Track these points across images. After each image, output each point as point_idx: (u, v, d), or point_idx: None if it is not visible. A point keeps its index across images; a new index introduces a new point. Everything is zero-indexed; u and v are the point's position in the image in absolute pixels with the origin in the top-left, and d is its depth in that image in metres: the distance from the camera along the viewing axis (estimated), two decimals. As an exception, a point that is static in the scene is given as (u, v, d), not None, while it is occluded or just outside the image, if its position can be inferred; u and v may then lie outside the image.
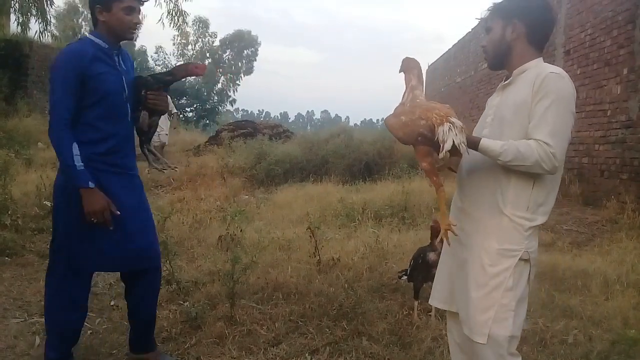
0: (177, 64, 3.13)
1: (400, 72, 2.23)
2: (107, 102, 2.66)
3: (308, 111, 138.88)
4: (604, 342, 3.15)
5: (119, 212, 2.64)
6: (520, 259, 2.01)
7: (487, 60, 2.28)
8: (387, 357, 3.07)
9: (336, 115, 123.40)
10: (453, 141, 1.88)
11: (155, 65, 35.65)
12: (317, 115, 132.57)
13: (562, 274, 4.23)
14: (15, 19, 11.81)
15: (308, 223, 4.56)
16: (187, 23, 13.32)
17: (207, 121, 31.26)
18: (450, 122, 1.93)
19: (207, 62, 36.80)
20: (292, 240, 5.07)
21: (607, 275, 4.17)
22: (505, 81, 2.18)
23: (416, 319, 3.50)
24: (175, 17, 12.38)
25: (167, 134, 11.28)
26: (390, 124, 2.10)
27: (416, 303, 3.60)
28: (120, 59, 2.78)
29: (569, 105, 1.99)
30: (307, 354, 3.10)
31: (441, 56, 19.12)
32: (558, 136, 1.93)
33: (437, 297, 2.32)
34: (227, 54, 37.96)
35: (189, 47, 37.26)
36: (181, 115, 29.18)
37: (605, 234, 5.82)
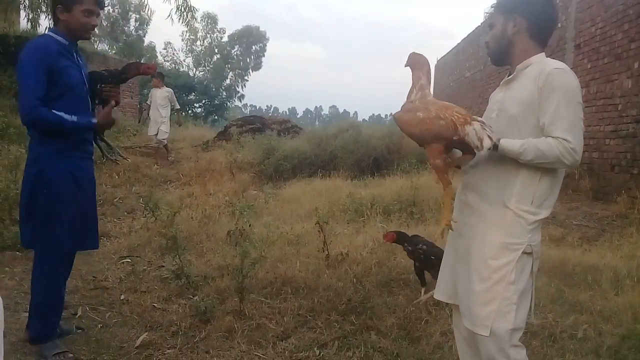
0: (129, 62, 3.44)
1: (406, 66, 2.21)
2: (72, 95, 2.86)
3: (316, 106, 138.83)
4: (614, 337, 3.14)
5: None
6: (523, 253, 2.02)
7: (489, 56, 2.30)
8: (395, 351, 3.08)
9: (344, 110, 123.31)
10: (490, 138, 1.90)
11: (165, 61, 35.75)
12: (325, 111, 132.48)
13: (572, 269, 4.21)
14: (25, 16, 11.85)
15: (316, 218, 4.56)
16: (196, 19, 13.31)
17: (216, 117, 31.33)
18: (479, 122, 1.95)
19: (215, 57, 36.84)
20: (300, 235, 5.07)
21: (617, 270, 4.14)
22: (508, 76, 2.19)
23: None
24: (184, 13, 12.36)
25: (167, 132, 10.92)
26: (405, 120, 2.09)
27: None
28: (77, 55, 2.99)
29: (577, 97, 2.00)
30: (315, 348, 3.12)
31: (450, 51, 19.03)
32: (574, 130, 1.95)
33: (442, 291, 2.32)
34: (236, 49, 37.93)
35: (198, 43, 37.29)
36: (189, 111, 29.26)
37: (615, 229, 5.78)
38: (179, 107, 11.65)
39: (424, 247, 3.66)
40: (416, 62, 2.19)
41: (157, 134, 10.75)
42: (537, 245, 2.07)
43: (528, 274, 2.05)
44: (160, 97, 10.77)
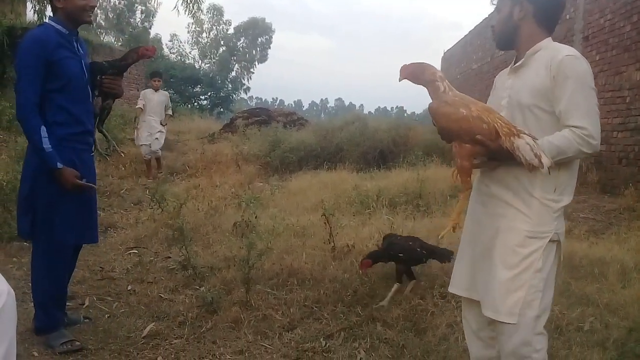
0: (129, 49, 3.38)
1: (403, 78, 2.12)
2: (71, 86, 2.85)
3: (322, 99, 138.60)
4: (621, 330, 3.13)
5: (92, 185, 2.97)
6: (550, 240, 2.01)
7: (495, 40, 2.29)
8: (401, 342, 3.08)
9: (350, 103, 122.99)
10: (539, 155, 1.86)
11: (170, 53, 35.72)
12: (331, 103, 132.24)
13: (579, 262, 4.20)
14: (32, 7, 11.87)
15: (322, 210, 4.57)
16: (201, 11, 13.27)
17: (222, 109, 31.28)
18: (528, 135, 1.91)
19: (221, 49, 36.78)
20: (306, 227, 5.08)
21: (624, 263, 4.13)
22: (516, 63, 2.17)
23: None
24: (190, 5, 12.33)
25: (162, 142, 9.17)
26: (444, 113, 2.02)
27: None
28: (78, 44, 2.96)
29: (590, 83, 2.00)
30: (321, 339, 3.13)
31: (457, 42, 18.92)
32: (590, 117, 1.96)
33: (457, 285, 2.30)
34: (242, 41, 37.81)
35: (204, 35, 37.21)
36: (195, 103, 29.24)
37: (622, 221, 5.76)
38: (172, 114, 9.96)
39: (400, 249, 3.68)
40: (421, 67, 2.11)
41: (149, 144, 8.83)
42: (562, 233, 2.07)
43: (552, 261, 2.05)
44: (157, 101, 8.94)
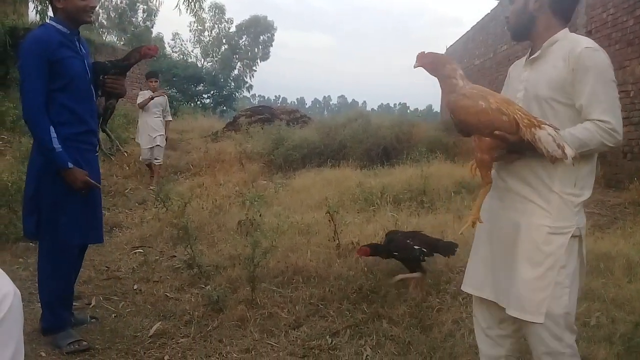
0: (132, 49, 3.36)
1: (418, 66, 2.10)
2: (74, 85, 2.85)
3: (325, 96, 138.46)
4: (627, 324, 3.12)
5: (98, 185, 2.97)
6: (572, 236, 1.98)
7: (509, 31, 2.24)
8: (407, 339, 3.09)
9: (353, 100, 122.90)
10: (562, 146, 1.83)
11: (173, 52, 35.74)
12: (334, 101, 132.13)
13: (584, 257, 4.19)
14: (34, 7, 11.88)
15: (327, 207, 4.57)
16: (203, 9, 13.27)
17: (225, 107, 31.29)
18: (550, 126, 1.88)
19: (223, 48, 36.78)
20: (311, 225, 5.08)
21: (630, 258, 4.12)
22: (532, 55, 2.13)
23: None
24: (192, 3, 12.32)
25: (163, 148, 8.65)
26: (462, 106, 1.98)
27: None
28: (80, 44, 2.96)
29: (611, 75, 1.98)
30: (327, 337, 3.13)
31: (459, 38, 18.88)
32: (612, 110, 1.93)
33: (470, 284, 2.27)
34: (244, 39, 37.80)
35: (206, 33, 37.23)
36: (198, 102, 29.25)
37: (628, 216, 5.75)
38: (170, 119, 9.07)
39: (396, 247, 3.67)
40: (442, 60, 2.08)
41: (152, 147, 8.40)
42: (583, 227, 2.04)
43: (576, 256, 2.02)
44: (155, 103, 8.39)
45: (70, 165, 2.78)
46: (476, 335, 2.37)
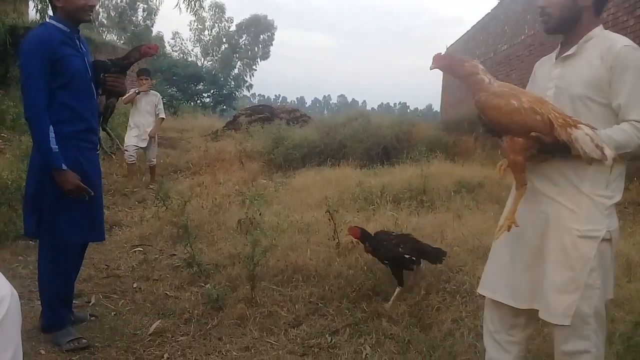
0: (132, 48, 3.35)
1: (435, 68, 2.07)
2: (75, 83, 2.85)
3: (325, 95, 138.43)
4: (627, 324, 3.12)
5: (91, 192, 2.90)
6: (603, 239, 1.94)
7: (546, 23, 2.11)
8: (407, 338, 3.09)
9: (353, 99, 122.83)
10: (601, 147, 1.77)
11: (173, 51, 35.76)
12: (334, 100, 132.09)
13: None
14: (34, 6, 11.88)
15: (326, 206, 4.57)
16: (203, 8, 13.30)
17: (225, 106, 31.29)
18: (587, 125, 1.83)
19: (223, 47, 36.81)
20: (310, 224, 5.08)
21: (629, 258, 4.12)
22: (565, 51, 2.06)
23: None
24: (192, 2, 12.35)
25: (157, 148, 8.34)
26: (493, 105, 1.92)
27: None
28: (80, 42, 2.96)
29: None
30: (327, 335, 3.14)
31: (460, 38, 18.88)
32: None
33: (487, 286, 2.22)
34: (244, 39, 37.87)
35: (206, 32, 37.29)
36: (198, 101, 29.25)
37: (628, 216, 5.73)
38: (164, 117, 8.55)
39: (383, 248, 3.59)
40: (461, 60, 2.04)
41: (145, 147, 8.06)
42: (615, 230, 1.99)
43: (608, 258, 1.98)
44: (147, 101, 8.01)
45: (64, 167, 2.78)
46: (484, 338, 2.33)
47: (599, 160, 1.78)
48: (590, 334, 1.96)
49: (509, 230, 1.99)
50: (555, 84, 2.05)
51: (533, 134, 1.84)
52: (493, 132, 2.00)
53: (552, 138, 1.84)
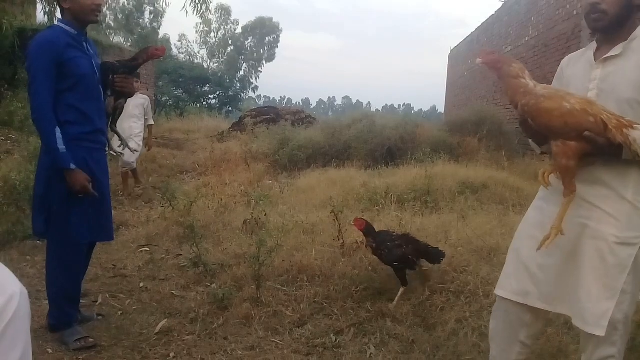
0: (140, 50, 3.35)
1: (483, 63, 1.99)
2: (83, 85, 2.88)
3: (329, 97, 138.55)
4: (631, 325, 3.12)
5: (96, 194, 2.93)
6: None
7: (599, 21, 1.99)
8: (411, 338, 3.11)
9: (357, 101, 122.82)
10: None
11: (179, 53, 35.88)
12: (339, 101, 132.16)
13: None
14: (42, 9, 11.98)
15: (331, 207, 4.59)
16: (210, 11, 13.37)
17: (230, 108, 31.40)
18: None
19: (229, 49, 36.89)
20: (316, 224, 5.10)
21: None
22: (609, 52, 1.98)
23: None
24: (199, 5, 12.43)
25: (137, 150, 7.30)
26: (545, 108, 1.82)
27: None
28: (87, 44, 2.99)
29: None
30: (332, 335, 3.16)
31: (464, 40, 18.88)
32: None
33: (509, 289, 2.15)
34: (249, 41, 37.95)
35: (212, 34, 37.39)
36: (204, 102, 29.34)
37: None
38: (152, 123, 8.09)
39: (386, 249, 3.60)
40: (509, 60, 1.96)
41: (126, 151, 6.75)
42: None
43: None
44: (134, 105, 7.38)
45: (73, 166, 2.81)
46: (490, 338, 2.32)
47: None
48: (617, 340, 1.93)
49: (553, 240, 1.90)
50: (598, 85, 1.97)
51: (587, 134, 1.77)
52: (539, 137, 1.93)
53: (605, 140, 1.78)
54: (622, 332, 1.95)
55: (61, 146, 2.78)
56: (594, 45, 2.09)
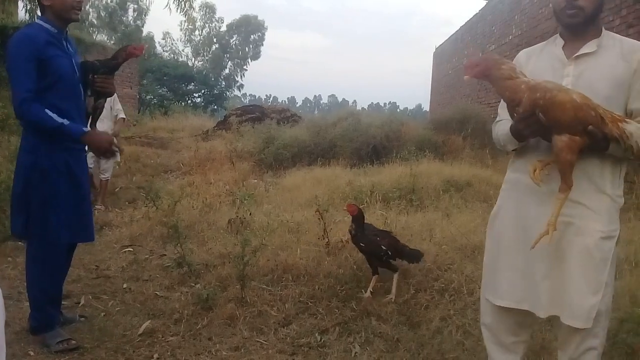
0: (118, 48, 3.29)
1: (471, 76, 1.96)
2: (62, 84, 2.84)
3: (315, 95, 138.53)
4: (613, 321, 3.13)
5: (122, 148, 2.98)
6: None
7: (574, 17, 1.99)
8: (396, 336, 3.12)
9: (343, 99, 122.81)
10: None
11: (163, 51, 35.64)
12: (325, 100, 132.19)
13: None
14: (23, 6, 11.84)
15: (316, 206, 4.58)
16: (193, 8, 13.30)
17: (215, 106, 31.21)
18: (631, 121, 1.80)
19: (214, 47, 36.74)
20: (301, 223, 5.09)
21: (617, 255, 4.16)
22: (580, 49, 1.99)
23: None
24: (182, 3, 12.36)
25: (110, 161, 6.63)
26: (561, 101, 1.79)
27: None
28: (67, 43, 2.96)
29: None
30: (317, 334, 3.16)
31: (449, 38, 18.96)
32: None
33: (493, 292, 2.16)
34: (234, 39, 37.82)
35: (196, 32, 37.19)
36: (189, 101, 29.18)
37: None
38: (125, 117, 7.43)
39: (364, 242, 3.64)
40: (496, 63, 1.91)
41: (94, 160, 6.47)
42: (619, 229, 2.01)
43: (615, 256, 1.98)
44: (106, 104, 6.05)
45: (86, 128, 2.82)
46: (486, 343, 2.30)
47: None
48: (599, 332, 1.97)
49: (549, 235, 1.89)
50: (572, 82, 1.97)
51: (591, 128, 1.77)
52: (542, 132, 1.89)
53: (602, 134, 1.79)
54: (603, 324, 1.99)
55: (61, 120, 2.74)
56: (558, 41, 2.09)
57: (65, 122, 2.75)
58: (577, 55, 2.00)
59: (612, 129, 1.78)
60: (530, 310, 2.06)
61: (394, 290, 3.55)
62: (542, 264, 2.01)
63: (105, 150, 2.85)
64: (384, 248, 3.58)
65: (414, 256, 3.68)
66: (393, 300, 3.51)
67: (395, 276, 3.60)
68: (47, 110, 2.73)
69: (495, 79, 1.90)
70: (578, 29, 2.02)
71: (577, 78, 1.97)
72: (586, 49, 1.99)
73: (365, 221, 3.80)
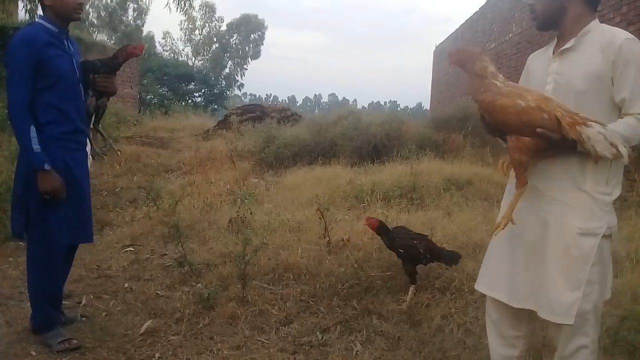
0: (119, 48, 3.30)
1: (452, 64, 2.04)
2: (62, 84, 2.84)
3: (315, 94, 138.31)
4: (613, 318, 3.16)
5: (64, 195, 2.85)
6: (603, 236, 1.94)
7: (535, 21, 2.13)
8: (397, 335, 3.12)
9: (344, 98, 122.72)
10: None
11: (163, 51, 35.63)
12: (325, 99, 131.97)
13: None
14: (23, 6, 11.81)
15: (317, 205, 4.59)
16: (193, 8, 13.26)
17: (215, 106, 31.18)
18: (597, 122, 1.82)
19: (214, 46, 36.72)
20: (301, 222, 5.09)
21: (616, 252, 4.13)
22: (562, 46, 2.05)
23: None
24: (182, 2, 12.33)
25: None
26: (500, 105, 1.89)
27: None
28: (68, 43, 2.95)
29: None
30: (318, 333, 3.16)
31: (448, 37, 18.95)
32: None
33: (485, 283, 2.22)
34: (234, 38, 37.77)
35: (196, 32, 37.16)
36: (189, 100, 29.16)
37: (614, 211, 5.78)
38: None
39: (402, 244, 3.57)
40: (472, 57, 1.99)
41: None
42: (614, 226, 2.01)
43: (607, 254, 1.99)
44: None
45: (47, 167, 2.75)
46: (488, 334, 2.33)
47: (610, 158, 1.79)
48: (589, 330, 1.98)
49: (502, 229, 1.99)
50: (554, 78, 2.04)
51: (539, 130, 1.83)
52: (496, 132, 1.99)
53: (560, 136, 1.83)
54: (592, 322, 1.99)
55: (35, 146, 2.73)
56: (553, 41, 2.15)
57: (38, 149, 2.72)
58: (560, 52, 2.06)
59: (568, 131, 1.82)
60: (505, 302, 2.12)
61: (408, 301, 3.46)
62: (524, 256, 2.06)
63: (46, 193, 2.78)
64: (422, 251, 3.50)
65: (452, 258, 3.57)
66: (405, 309, 3.42)
67: (412, 288, 3.51)
68: (32, 128, 2.72)
69: (467, 72, 2.00)
70: (544, 30, 2.16)
71: (559, 75, 2.03)
72: (566, 45, 2.04)
73: (399, 225, 3.73)
